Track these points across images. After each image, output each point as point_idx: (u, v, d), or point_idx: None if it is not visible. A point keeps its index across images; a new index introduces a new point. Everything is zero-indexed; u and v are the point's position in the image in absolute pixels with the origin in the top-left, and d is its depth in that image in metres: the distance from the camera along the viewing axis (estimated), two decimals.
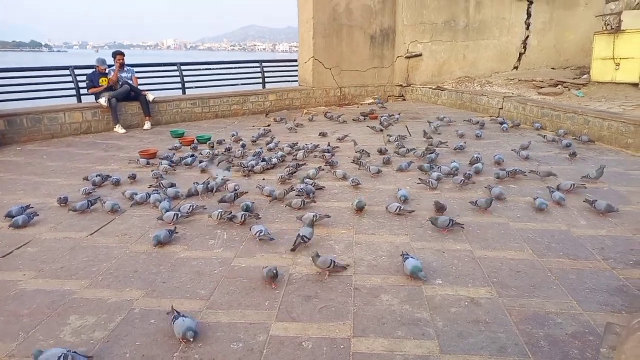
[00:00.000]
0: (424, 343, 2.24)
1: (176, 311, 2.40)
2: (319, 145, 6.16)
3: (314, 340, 2.29)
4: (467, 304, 2.57)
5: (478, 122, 7.64)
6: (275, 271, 2.79)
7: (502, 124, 7.43)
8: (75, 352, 2.14)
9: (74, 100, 8.05)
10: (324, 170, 5.12)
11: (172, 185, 4.57)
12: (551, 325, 2.35)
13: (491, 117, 8.42)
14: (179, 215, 3.77)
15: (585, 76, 9.30)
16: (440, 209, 3.85)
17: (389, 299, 2.64)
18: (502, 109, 8.45)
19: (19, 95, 7.69)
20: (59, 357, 2.08)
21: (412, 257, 2.88)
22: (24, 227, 3.76)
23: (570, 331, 2.30)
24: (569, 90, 8.75)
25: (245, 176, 5.04)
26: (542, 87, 9.16)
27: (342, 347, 2.23)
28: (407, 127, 7.72)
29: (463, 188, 4.52)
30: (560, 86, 9.00)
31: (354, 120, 8.45)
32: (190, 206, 3.92)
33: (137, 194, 4.26)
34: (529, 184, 4.66)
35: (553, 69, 11.00)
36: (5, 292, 2.81)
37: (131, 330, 2.42)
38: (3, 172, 5.50)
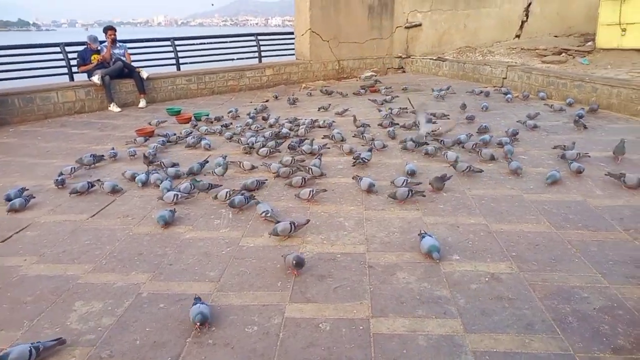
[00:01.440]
0: (446, 322, 2.15)
1: (198, 298, 2.30)
2: (317, 120, 5.99)
3: (332, 321, 2.20)
4: (487, 279, 2.48)
5: (481, 92, 7.47)
6: (301, 259, 2.57)
7: (506, 94, 7.25)
8: (39, 342, 2.04)
9: (66, 78, 7.78)
10: (328, 147, 4.95)
11: (174, 165, 4.43)
12: (577, 300, 2.27)
13: (494, 87, 8.23)
14: (179, 195, 3.64)
15: (590, 43, 9.07)
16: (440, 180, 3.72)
17: (405, 276, 2.55)
18: (505, 78, 8.25)
19: (9, 75, 7.39)
20: (30, 351, 1.97)
21: (429, 236, 2.77)
22: (21, 210, 3.64)
23: (598, 305, 2.22)
24: (574, 57, 8.54)
25: (246, 153, 4.89)
26: (545, 55, 8.93)
27: (362, 327, 2.15)
28: (409, 99, 7.52)
29: (473, 160, 4.39)
30: (564, 54, 8.77)
31: (354, 93, 8.25)
32: (191, 183, 3.81)
33: (136, 174, 4.12)
34: (539, 154, 4.55)
35: (556, 36, 10.71)
36: (6, 277, 2.70)
37: (140, 315, 2.32)
38: None
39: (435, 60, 10.26)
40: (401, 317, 2.20)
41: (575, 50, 8.78)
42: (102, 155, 4.74)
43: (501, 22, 10.87)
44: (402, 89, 8.24)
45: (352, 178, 3.88)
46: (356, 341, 2.06)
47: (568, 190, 3.65)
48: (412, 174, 3.99)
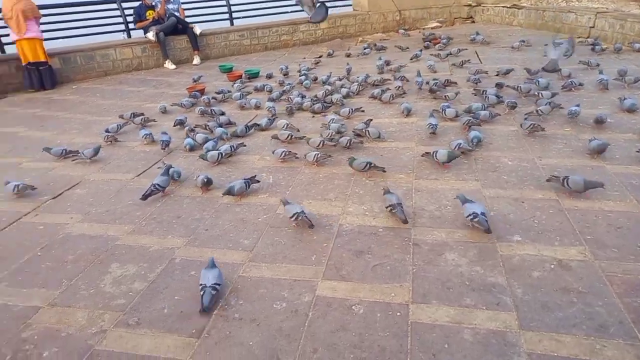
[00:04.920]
0: (498, 315, 1.87)
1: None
2: (369, 75, 5.59)
3: (366, 303, 2.00)
4: (552, 266, 2.13)
5: (562, 44, 6.53)
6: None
7: (594, 45, 6.30)
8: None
9: (124, 35, 7.88)
10: (363, 111, 4.50)
11: (223, 113, 4.59)
12: None
13: (579, 37, 7.20)
14: (223, 155, 3.57)
15: None
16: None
17: (455, 257, 2.26)
18: (593, 27, 7.18)
19: (70, 32, 7.56)
20: None
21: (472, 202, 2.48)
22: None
23: None
24: None
25: (289, 114, 4.63)
26: None
27: (399, 314, 1.92)
28: (476, 52, 6.82)
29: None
30: None
31: (425, 47, 7.57)
32: (231, 146, 3.70)
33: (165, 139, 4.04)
34: (629, 118, 3.89)
35: None
36: (52, 235, 2.78)
37: (170, 282, 2.27)
38: (60, 110, 5.55)
39: (510, 7, 9.18)
40: (445, 305, 1.94)
41: None
42: (142, 113, 4.80)
43: None
44: (470, 40, 7.47)
45: (422, 155, 3.41)
46: (391, 329, 1.85)
47: None
48: (477, 142, 3.47)
